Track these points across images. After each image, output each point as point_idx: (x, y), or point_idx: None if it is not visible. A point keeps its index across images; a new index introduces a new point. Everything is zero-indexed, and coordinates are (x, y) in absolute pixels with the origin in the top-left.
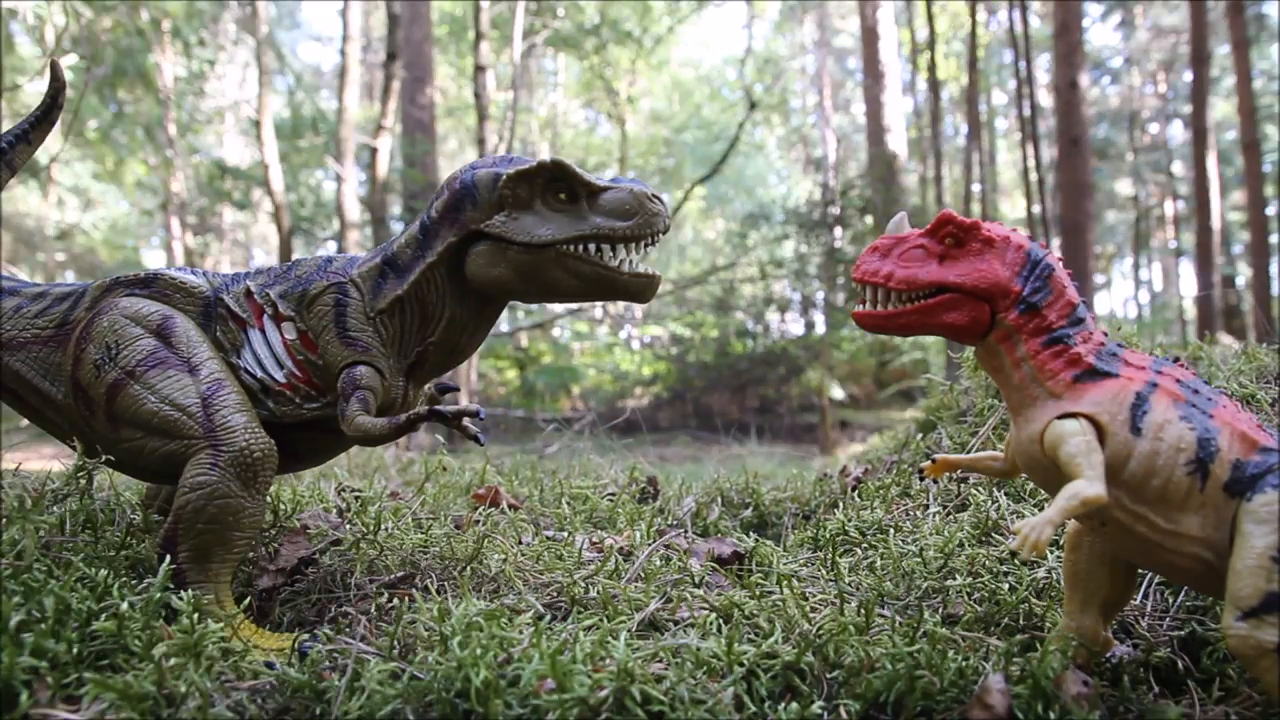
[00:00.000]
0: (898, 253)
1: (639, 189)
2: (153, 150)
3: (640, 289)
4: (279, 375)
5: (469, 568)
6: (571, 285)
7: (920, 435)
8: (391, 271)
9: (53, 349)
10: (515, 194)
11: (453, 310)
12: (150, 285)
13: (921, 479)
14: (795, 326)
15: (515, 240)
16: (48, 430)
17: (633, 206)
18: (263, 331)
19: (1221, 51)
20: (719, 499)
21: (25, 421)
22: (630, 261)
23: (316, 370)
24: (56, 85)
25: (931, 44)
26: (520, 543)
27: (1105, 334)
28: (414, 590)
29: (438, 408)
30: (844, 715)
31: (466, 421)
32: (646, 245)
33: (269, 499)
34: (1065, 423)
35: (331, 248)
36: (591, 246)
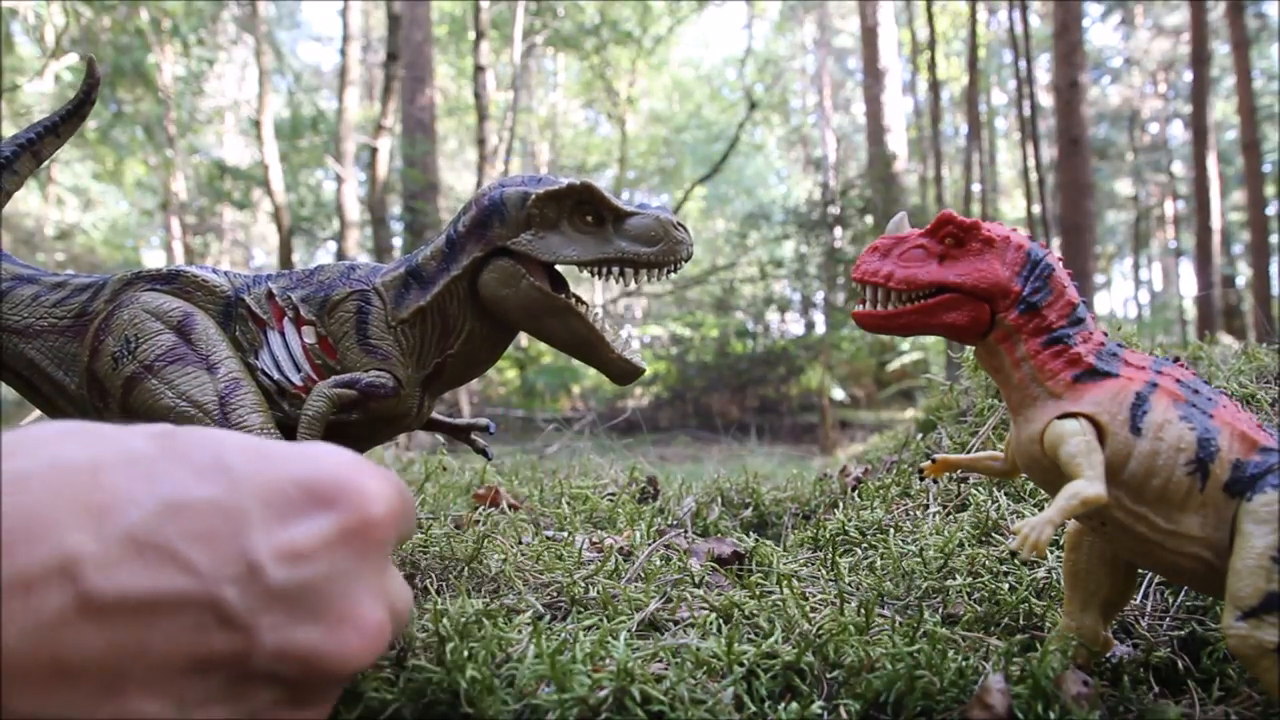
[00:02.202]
0: (898, 253)
1: (665, 216)
2: (153, 150)
3: (624, 372)
4: (296, 378)
5: (468, 568)
6: (561, 334)
7: (920, 435)
8: (415, 282)
9: (69, 339)
10: (543, 213)
11: (473, 324)
12: (172, 281)
13: (921, 479)
14: (795, 326)
15: (540, 259)
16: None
17: (658, 233)
18: (282, 334)
19: (1221, 51)
20: (719, 499)
21: (33, 415)
22: (626, 342)
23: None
24: (91, 81)
25: (932, 44)
26: (520, 543)
27: (1105, 334)
28: (413, 590)
29: (438, 418)
30: (844, 715)
31: (475, 435)
32: (668, 272)
33: None
34: (1065, 423)
35: (331, 248)
36: (615, 270)
